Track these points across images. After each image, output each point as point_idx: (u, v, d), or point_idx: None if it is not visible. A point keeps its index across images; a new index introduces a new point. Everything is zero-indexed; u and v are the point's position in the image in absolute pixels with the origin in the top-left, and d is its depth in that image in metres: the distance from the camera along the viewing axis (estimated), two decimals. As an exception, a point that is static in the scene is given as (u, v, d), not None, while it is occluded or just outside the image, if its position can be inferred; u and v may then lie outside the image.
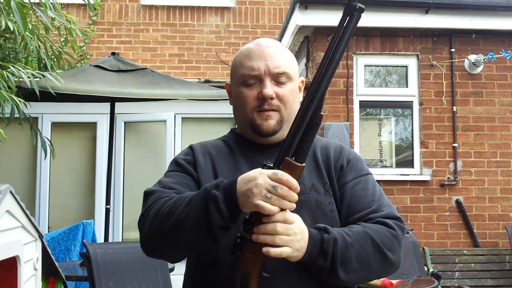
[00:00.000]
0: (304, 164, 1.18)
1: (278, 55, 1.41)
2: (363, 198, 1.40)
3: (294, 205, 1.18)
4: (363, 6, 1.12)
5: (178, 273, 2.71)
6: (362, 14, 1.14)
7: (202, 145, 1.52)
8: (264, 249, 1.18)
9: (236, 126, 1.56)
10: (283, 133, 1.39)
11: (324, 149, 1.50)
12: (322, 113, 1.18)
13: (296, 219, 1.21)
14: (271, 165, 1.19)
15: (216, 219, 1.20)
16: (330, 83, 1.17)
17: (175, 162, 1.48)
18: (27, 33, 3.54)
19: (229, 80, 1.52)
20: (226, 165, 1.44)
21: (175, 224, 1.24)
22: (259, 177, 1.17)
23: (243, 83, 1.41)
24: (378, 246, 1.29)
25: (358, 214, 1.37)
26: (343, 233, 1.28)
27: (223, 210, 1.19)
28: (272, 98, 1.39)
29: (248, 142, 1.48)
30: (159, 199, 1.33)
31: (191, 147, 1.51)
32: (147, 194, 1.39)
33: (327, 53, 1.16)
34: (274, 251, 1.18)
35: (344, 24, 1.16)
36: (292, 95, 1.43)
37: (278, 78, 1.40)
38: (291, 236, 1.19)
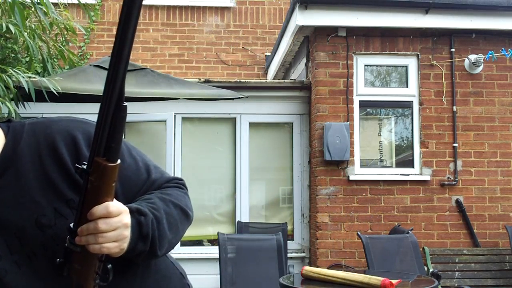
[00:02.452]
0: (118, 163, 1.03)
1: None
2: (133, 177, 1.24)
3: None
4: None
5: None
6: None
7: None
8: (91, 248, 1.04)
9: None
10: None
11: (51, 149, 1.18)
12: (125, 104, 1.00)
13: (123, 208, 1.07)
14: (84, 167, 1.03)
15: None
16: (127, 68, 0.99)
17: None
18: (27, 33, 3.55)
19: None
20: None
21: None
22: None
23: None
24: (181, 208, 1.24)
25: (138, 194, 1.24)
26: (150, 207, 1.16)
27: None
28: None
29: None
30: None
31: None
32: None
33: (117, 37, 0.97)
34: (93, 247, 1.03)
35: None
36: None
37: None
38: (118, 230, 1.05)
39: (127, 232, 1.08)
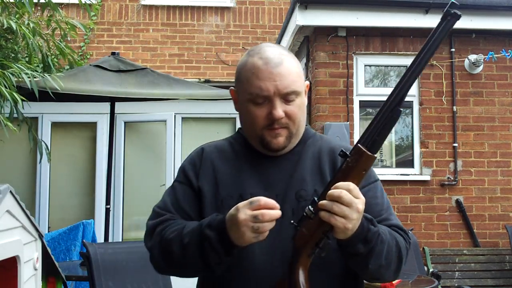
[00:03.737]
0: (375, 155, 1.24)
1: (287, 74, 1.39)
2: (374, 206, 1.41)
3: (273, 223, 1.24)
4: (459, 13, 1.19)
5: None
6: (457, 21, 1.21)
7: (210, 147, 1.55)
8: (322, 213, 1.21)
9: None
10: (291, 146, 1.47)
11: (332, 153, 1.49)
12: (401, 109, 1.23)
13: (362, 196, 1.23)
14: (346, 152, 1.26)
15: (212, 258, 1.30)
16: (415, 81, 1.24)
17: (182, 170, 1.52)
18: (27, 31, 3.54)
19: (234, 86, 1.51)
20: (227, 170, 1.47)
21: (176, 264, 1.38)
22: (238, 213, 1.24)
23: (252, 101, 1.41)
24: (399, 250, 1.36)
25: None
26: (380, 229, 1.32)
27: (217, 248, 1.29)
28: (281, 118, 1.40)
29: (255, 150, 1.49)
30: (161, 225, 1.44)
31: (202, 149, 1.55)
32: (153, 216, 1.49)
33: (420, 53, 1.22)
34: (324, 214, 1.21)
35: (440, 28, 1.22)
36: (300, 110, 1.43)
37: (287, 97, 1.40)
38: (351, 209, 1.20)
39: (356, 216, 1.21)
